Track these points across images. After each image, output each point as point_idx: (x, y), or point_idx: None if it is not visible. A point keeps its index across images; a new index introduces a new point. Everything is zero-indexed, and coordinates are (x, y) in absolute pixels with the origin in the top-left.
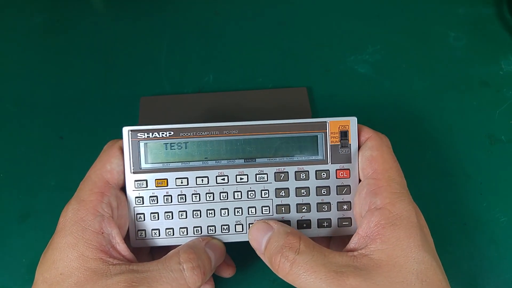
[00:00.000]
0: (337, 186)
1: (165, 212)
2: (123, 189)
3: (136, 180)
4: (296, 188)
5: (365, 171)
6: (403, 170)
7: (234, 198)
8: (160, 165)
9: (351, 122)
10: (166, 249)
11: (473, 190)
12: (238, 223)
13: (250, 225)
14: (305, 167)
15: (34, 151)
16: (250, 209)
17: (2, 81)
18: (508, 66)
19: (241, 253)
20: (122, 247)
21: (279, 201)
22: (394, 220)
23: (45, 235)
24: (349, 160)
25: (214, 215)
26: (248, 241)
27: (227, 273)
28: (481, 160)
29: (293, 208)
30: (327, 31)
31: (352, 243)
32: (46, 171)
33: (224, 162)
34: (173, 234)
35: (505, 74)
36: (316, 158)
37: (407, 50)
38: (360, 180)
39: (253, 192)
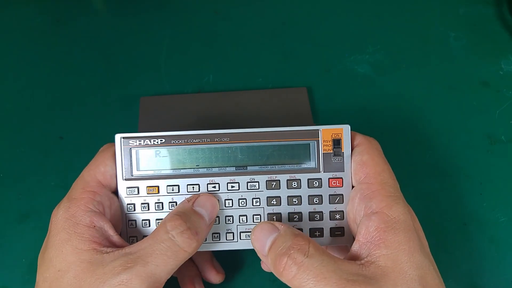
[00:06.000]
0: (329, 195)
1: (157, 219)
2: (115, 193)
3: (128, 187)
4: (288, 196)
5: (357, 176)
6: (403, 170)
7: (225, 206)
8: (151, 172)
9: (344, 130)
10: None
11: (473, 190)
12: (229, 231)
13: (241, 233)
14: (297, 176)
15: (34, 151)
16: (241, 217)
17: (2, 81)
18: (508, 66)
19: (240, 254)
20: (116, 239)
21: (271, 209)
22: (393, 223)
23: (45, 235)
24: (341, 169)
25: None
26: (241, 249)
27: (217, 279)
28: (481, 160)
29: (284, 217)
30: (327, 31)
31: (353, 251)
32: (46, 171)
33: (215, 169)
34: None
35: (505, 74)
36: (309, 166)
37: (407, 50)
38: (353, 187)
39: (244, 200)
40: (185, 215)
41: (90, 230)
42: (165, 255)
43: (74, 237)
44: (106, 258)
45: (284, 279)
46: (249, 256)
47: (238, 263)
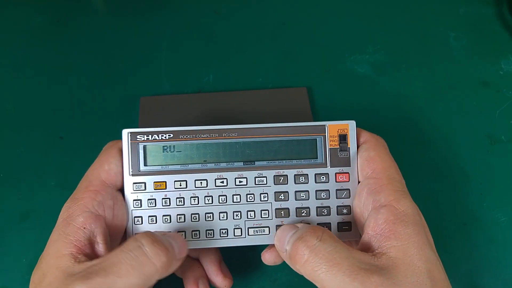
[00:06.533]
0: (336, 189)
1: (163, 216)
2: (121, 191)
3: (134, 183)
4: (296, 191)
5: (364, 172)
6: (403, 170)
7: (233, 202)
8: (159, 168)
9: (350, 126)
10: None
11: (473, 190)
12: (237, 227)
13: (249, 229)
14: (305, 171)
15: (34, 151)
16: (249, 213)
17: (2, 81)
18: (508, 66)
19: (241, 254)
20: (100, 248)
21: (278, 204)
22: (402, 216)
23: (45, 235)
24: (348, 164)
25: (213, 219)
26: (247, 245)
27: (223, 284)
28: (481, 160)
29: (292, 212)
30: (327, 31)
31: (362, 244)
32: (46, 171)
33: (223, 164)
34: None
35: (505, 74)
36: (315, 161)
37: (407, 50)
38: (358, 182)
39: (252, 196)
40: (155, 234)
41: (78, 232)
42: (129, 265)
43: (61, 238)
44: (75, 269)
45: (297, 266)
46: (249, 256)
47: (238, 262)
